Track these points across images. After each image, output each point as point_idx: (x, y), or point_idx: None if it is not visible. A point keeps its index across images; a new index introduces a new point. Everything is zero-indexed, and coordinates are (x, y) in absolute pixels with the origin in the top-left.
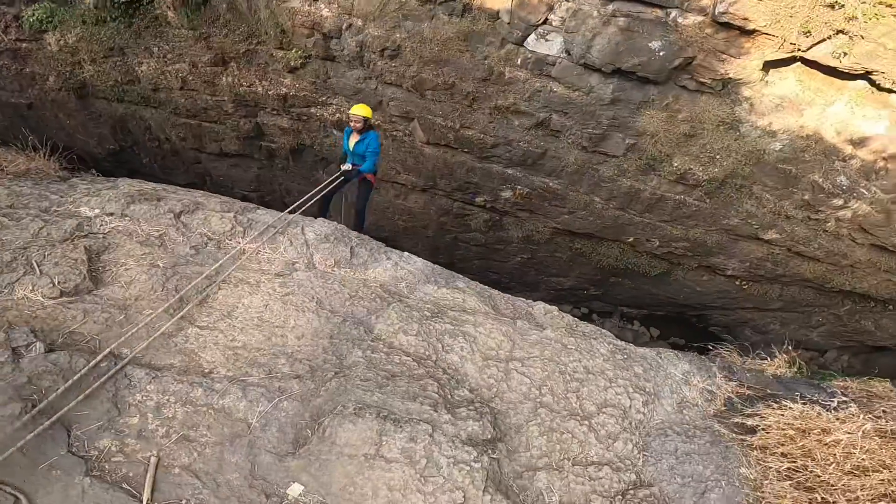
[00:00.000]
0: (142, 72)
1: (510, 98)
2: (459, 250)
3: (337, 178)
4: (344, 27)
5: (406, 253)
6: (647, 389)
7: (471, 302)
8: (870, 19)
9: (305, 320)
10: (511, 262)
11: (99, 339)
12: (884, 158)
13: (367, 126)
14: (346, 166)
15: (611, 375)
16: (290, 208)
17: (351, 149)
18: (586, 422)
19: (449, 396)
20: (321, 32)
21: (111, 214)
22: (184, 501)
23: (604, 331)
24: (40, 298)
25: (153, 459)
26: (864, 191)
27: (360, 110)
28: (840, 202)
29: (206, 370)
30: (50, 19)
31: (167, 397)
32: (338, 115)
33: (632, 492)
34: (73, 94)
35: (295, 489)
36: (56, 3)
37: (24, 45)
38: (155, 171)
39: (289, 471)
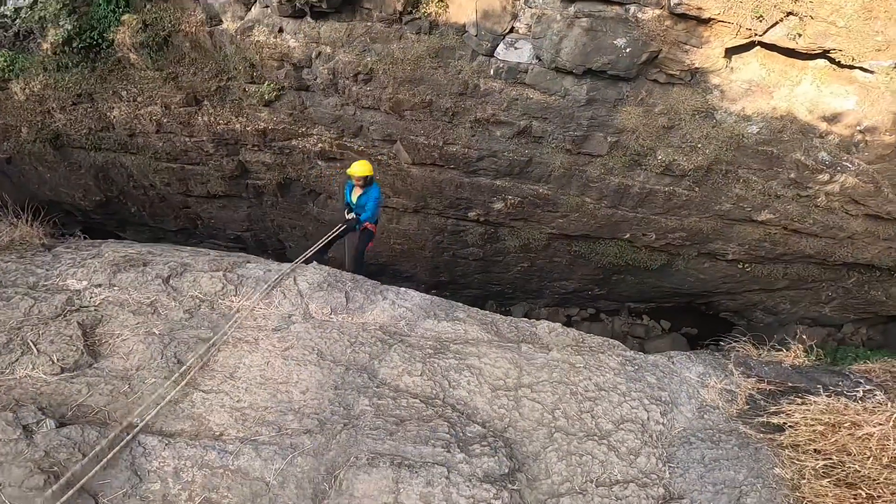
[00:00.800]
0: (114, 117)
1: (489, 109)
2: (459, 267)
3: (341, 227)
4: (313, 56)
5: (402, 289)
6: (663, 398)
7: (473, 332)
8: None
9: (308, 373)
10: (512, 271)
11: (107, 410)
12: (860, 132)
13: (368, 182)
14: (351, 216)
15: (623, 389)
16: (293, 263)
17: (354, 201)
18: (605, 441)
19: (461, 434)
20: (291, 63)
21: (99, 286)
22: None
23: (611, 341)
24: (42, 376)
25: None
26: (847, 164)
27: (362, 169)
28: (826, 177)
29: (217, 433)
30: (11, 67)
31: (183, 462)
32: (319, 145)
33: None
34: (49, 145)
35: None
36: (14, 51)
37: None
38: (145, 219)
39: None
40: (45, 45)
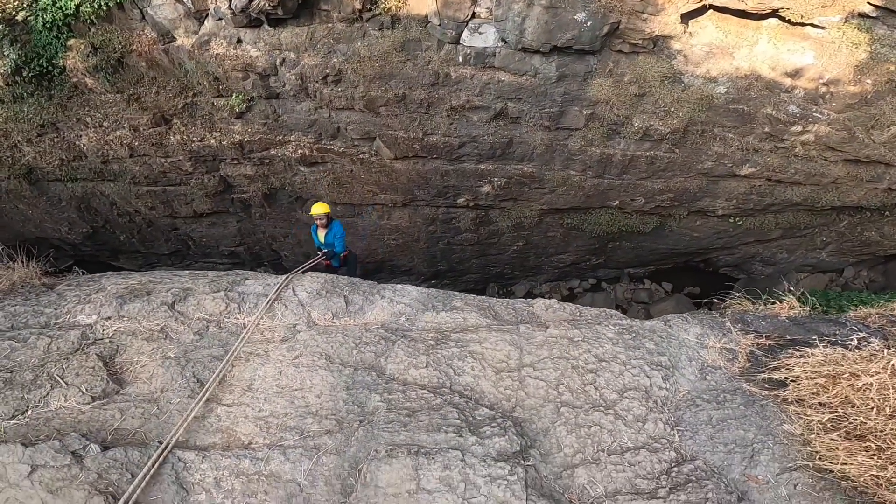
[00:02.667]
0: (83, 145)
1: (462, 96)
2: (455, 254)
3: (320, 257)
4: (278, 63)
5: (398, 286)
6: (664, 363)
7: (471, 319)
8: None
9: (320, 378)
10: (508, 252)
11: (142, 431)
12: (824, 84)
13: (329, 220)
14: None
15: (623, 358)
16: (287, 276)
17: (322, 241)
18: (611, 410)
19: (470, 419)
20: (256, 73)
21: (108, 318)
22: None
23: (608, 311)
24: (76, 405)
25: None
26: (817, 115)
27: (321, 208)
28: (799, 128)
29: (246, 442)
30: None
31: (221, 472)
32: (299, 151)
33: (675, 469)
34: (24, 180)
35: None
36: None
37: None
38: (136, 245)
39: None
40: None
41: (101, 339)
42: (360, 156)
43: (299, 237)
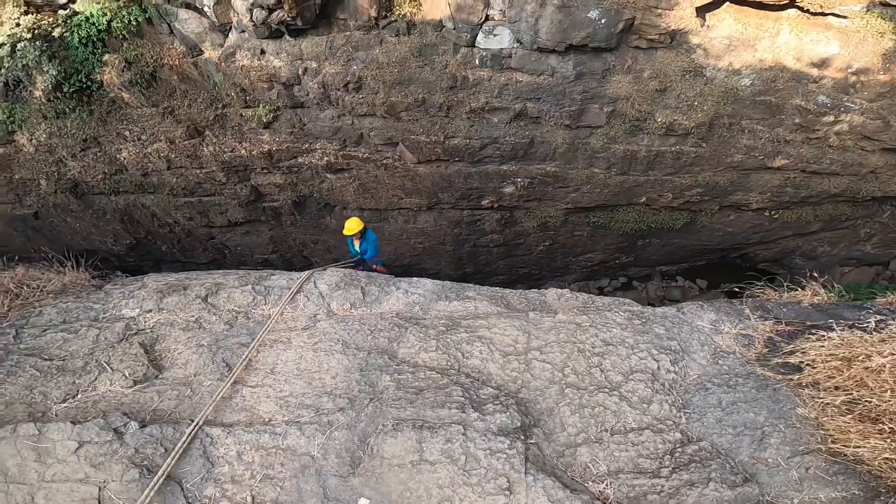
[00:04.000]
0: (124, 158)
1: (481, 98)
2: (481, 256)
3: (349, 261)
4: (300, 72)
5: (414, 279)
6: (673, 348)
7: (482, 307)
8: None
9: (336, 361)
10: (535, 252)
11: (177, 411)
12: (853, 74)
13: (362, 233)
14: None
15: (631, 342)
16: (310, 271)
17: (357, 250)
18: (616, 392)
19: (474, 397)
20: (280, 83)
21: (150, 311)
22: None
23: (620, 300)
24: (120, 389)
25: (249, 499)
26: (850, 104)
27: (354, 225)
28: (831, 118)
29: (266, 419)
30: (11, 119)
31: (243, 446)
32: (325, 158)
33: (679, 449)
34: (70, 194)
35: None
36: (9, 102)
37: (0, 150)
38: (176, 255)
39: (353, 488)
40: (37, 93)
41: (143, 329)
42: (384, 161)
43: (328, 243)
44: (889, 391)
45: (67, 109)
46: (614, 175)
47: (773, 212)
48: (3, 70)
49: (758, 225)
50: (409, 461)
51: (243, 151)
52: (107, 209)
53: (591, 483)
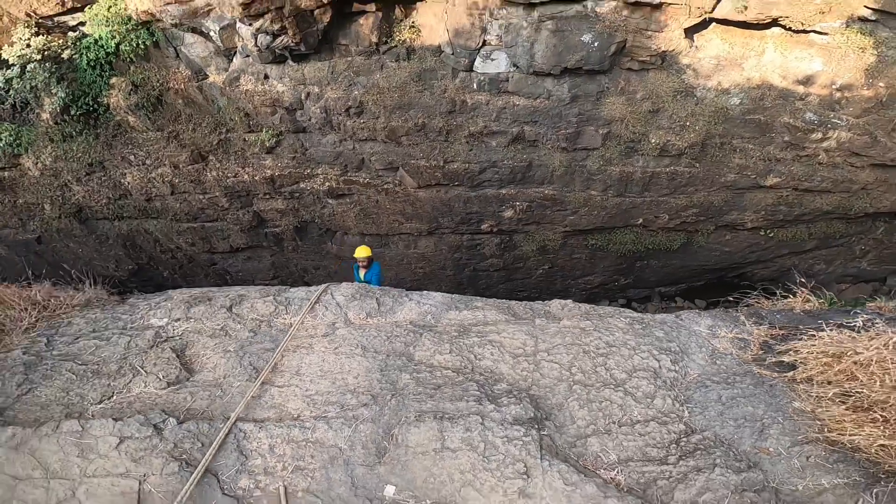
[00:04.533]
0: (128, 183)
1: (480, 122)
2: (481, 280)
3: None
4: (303, 97)
5: (425, 291)
6: (673, 349)
7: (490, 315)
8: None
9: (357, 363)
10: (534, 276)
11: (209, 410)
12: (837, 90)
13: (370, 262)
14: None
15: (633, 344)
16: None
17: (362, 279)
18: (621, 388)
19: (489, 392)
20: (283, 107)
21: (178, 320)
22: None
23: (620, 308)
24: (154, 390)
25: (282, 489)
26: (836, 120)
27: (364, 252)
28: (819, 135)
29: (295, 415)
30: (18, 141)
31: (275, 440)
32: (327, 183)
33: (684, 439)
34: (74, 219)
35: (389, 490)
36: (16, 124)
37: (5, 173)
38: (177, 281)
39: (380, 476)
40: (45, 115)
41: (172, 336)
42: (385, 186)
43: (329, 269)
44: (878, 382)
45: (74, 133)
46: (611, 197)
47: (768, 231)
48: (11, 91)
49: (754, 244)
50: (433, 449)
51: (246, 176)
52: (109, 234)
53: (602, 471)
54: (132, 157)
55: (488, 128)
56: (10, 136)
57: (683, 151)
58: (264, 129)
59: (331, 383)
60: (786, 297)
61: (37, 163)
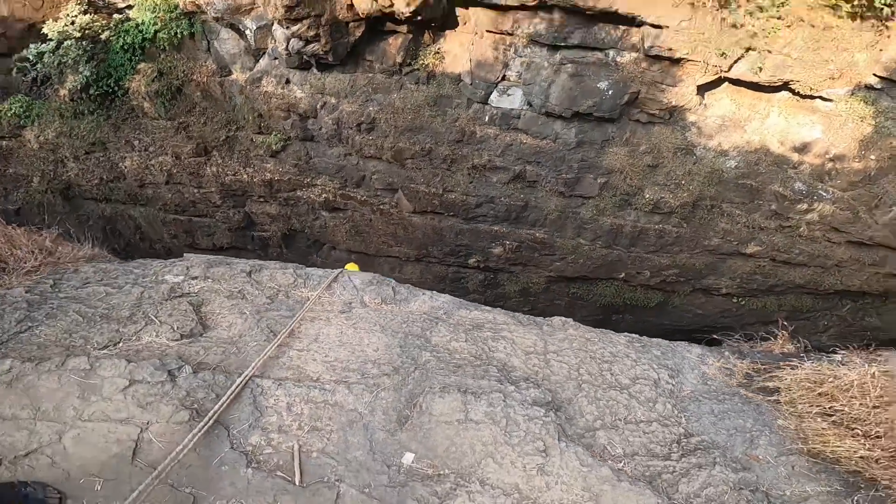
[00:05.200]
0: (126, 167)
1: (485, 156)
2: None
3: None
4: (319, 106)
5: (434, 291)
6: (670, 366)
7: (500, 318)
8: (768, 34)
9: (376, 338)
10: None
11: (222, 366)
12: (830, 160)
13: None
14: None
15: (634, 357)
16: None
17: None
18: (625, 391)
19: (508, 376)
20: (297, 113)
21: (195, 278)
22: (326, 478)
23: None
24: (165, 341)
25: (296, 448)
26: (822, 192)
27: (353, 270)
28: (804, 206)
29: (314, 378)
30: (27, 113)
31: (293, 399)
32: (324, 195)
33: (685, 440)
34: (60, 195)
35: (408, 458)
36: (31, 97)
37: (3, 142)
38: None
39: (400, 442)
40: (63, 92)
41: (188, 293)
42: (381, 206)
43: None
44: (857, 401)
45: (87, 111)
46: (599, 247)
47: (740, 299)
48: (39, 65)
49: (726, 310)
50: (456, 419)
51: (245, 176)
52: (91, 215)
53: (610, 462)
54: (136, 142)
55: (492, 162)
56: (21, 107)
57: (674, 210)
58: (273, 133)
59: (350, 353)
60: (767, 340)
61: (39, 136)
